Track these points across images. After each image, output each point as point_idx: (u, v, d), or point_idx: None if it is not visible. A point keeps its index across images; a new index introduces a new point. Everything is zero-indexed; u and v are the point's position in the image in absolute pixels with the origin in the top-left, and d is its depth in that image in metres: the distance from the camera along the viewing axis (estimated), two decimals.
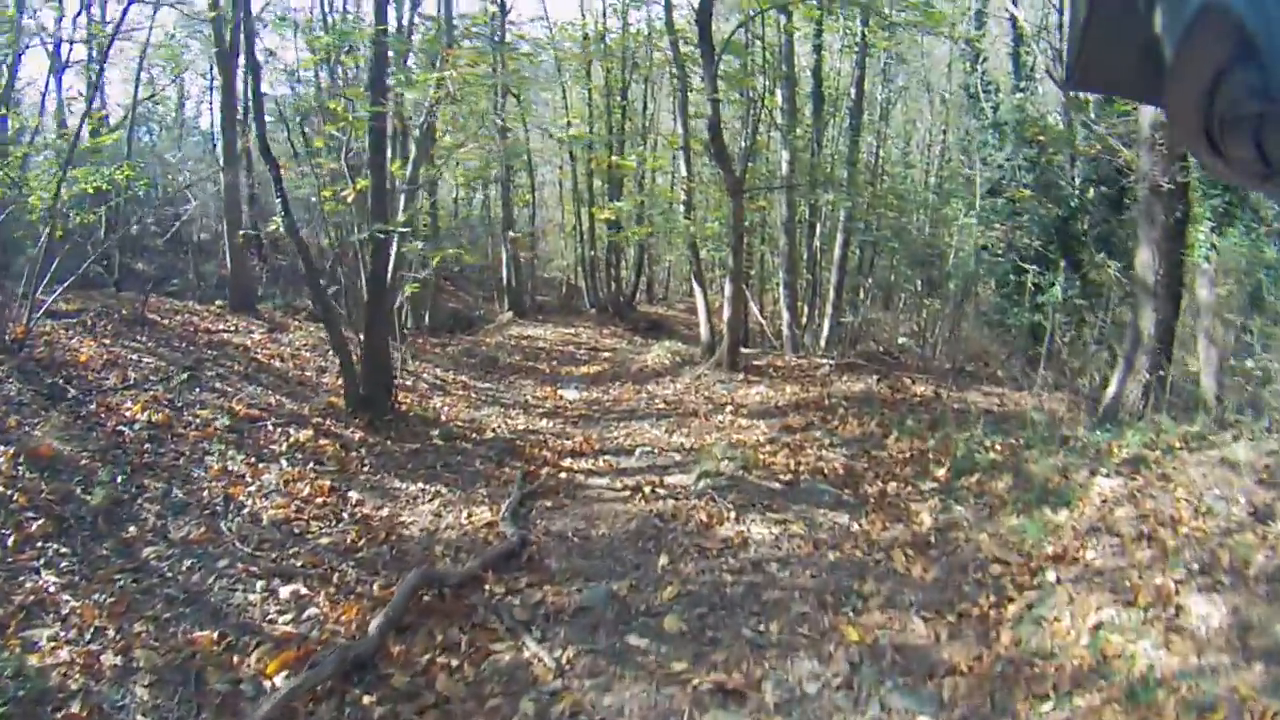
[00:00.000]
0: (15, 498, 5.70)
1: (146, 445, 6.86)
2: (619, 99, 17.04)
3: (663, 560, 5.56)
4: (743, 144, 12.42)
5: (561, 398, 11.26)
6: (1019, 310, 12.10)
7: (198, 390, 8.27)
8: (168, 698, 4.15)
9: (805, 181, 12.27)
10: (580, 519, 6.44)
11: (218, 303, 11.82)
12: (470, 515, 6.63)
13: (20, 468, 6.04)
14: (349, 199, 8.48)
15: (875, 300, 16.57)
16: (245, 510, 6.23)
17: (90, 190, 9.20)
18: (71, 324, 8.95)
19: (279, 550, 5.74)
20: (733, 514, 6.24)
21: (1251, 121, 0.50)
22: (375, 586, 5.38)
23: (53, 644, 4.44)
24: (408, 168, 9.40)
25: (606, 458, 8.18)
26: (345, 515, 6.47)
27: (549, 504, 6.83)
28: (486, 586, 5.34)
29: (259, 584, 5.29)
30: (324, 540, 5.97)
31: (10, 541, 5.28)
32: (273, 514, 6.21)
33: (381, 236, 8.04)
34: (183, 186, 11.34)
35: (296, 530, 6.07)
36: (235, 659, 4.48)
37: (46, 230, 8.29)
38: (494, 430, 9.23)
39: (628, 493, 6.91)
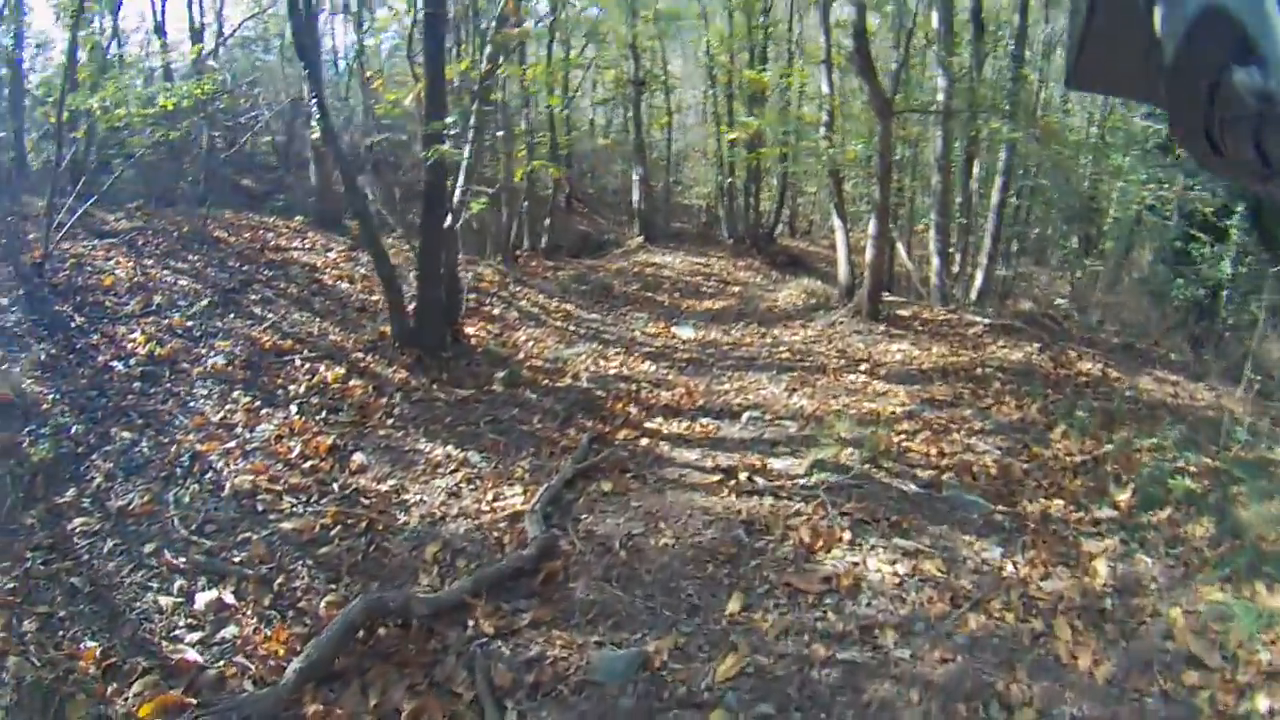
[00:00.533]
0: None
1: (135, 384, 6.11)
2: (759, 19, 16.10)
3: (734, 604, 4.20)
4: (894, 64, 11.23)
5: (674, 335, 10.17)
6: (1184, 283, 11.56)
7: (230, 316, 7.51)
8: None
9: (964, 107, 11.04)
10: (642, 518, 5.08)
11: (298, 218, 10.88)
12: (496, 499, 5.40)
13: None
14: (406, 102, 7.69)
15: (1029, 254, 16.41)
16: (209, 475, 5.28)
17: (168, 107, 8.54)
18: (115, 244, 8.44)
19: (224, 536, 4.74)
20: (847, 533, 4.82)
21: (1251, 121, 0.53)
22: (324, 603, 4.27)
23: None
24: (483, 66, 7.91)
25: (705, 421, 6.91)
26: (335, 487, 5.39)
27: (609, 488, 5.53)
28: (472, 621, 4.07)
29: (178, 584, 4.32)
30: (288, 524, 4.90)
31: None
32: (239, 482, 5.22)
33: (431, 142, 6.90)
34: (218, 93, 10.43)
35: (260, 506, 5.06)
36: (111, 688, 3.63)
37: (60, 148, 7.92)
38: (577, 375, 7.95)
39: (717, 478, 5.60)
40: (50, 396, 5.68)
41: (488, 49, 7.77)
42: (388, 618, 3.99)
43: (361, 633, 3.90)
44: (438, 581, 4.44)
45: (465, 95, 7.97)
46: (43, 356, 6.06)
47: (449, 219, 7.47)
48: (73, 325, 6.53)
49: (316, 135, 8.05)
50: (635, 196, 17.91)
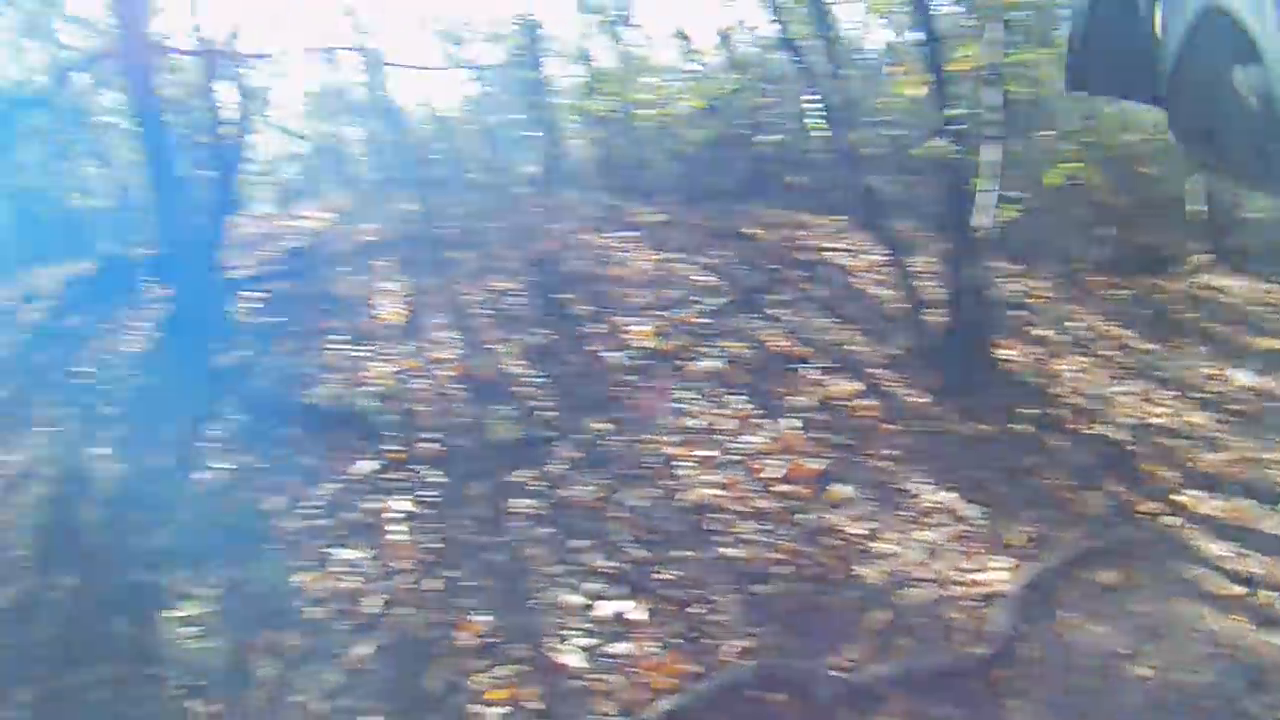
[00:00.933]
0: (420, 417, 6.13)
1: (626, 377, 6.63)
2: None
3: None
4: None
5: (1227, 380, 8.65)
6: None
7: (745, 316, 7.75)
8: (380, 668, 4.11)
9: None
10: (1131, 632, 4.39)
11: (833, 218, 11.10)
12: (977, 569, 4.81)
13: (452, 386, 6.49)
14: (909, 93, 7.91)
15: None
16: (670, 482, 5.45)
17: (699, 106, 9.49)
18: (638, 237, 9.40)
19: (660, 549, 4.85)
20: None
21: (1251, 122, 0.55)
22: (732, 648, 4.11)
23: (344, 569, 4.75)
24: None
25: (1244, 503, 5.87)
26: (802, 519, 5.17)
27: (1110, 578, 4.82)
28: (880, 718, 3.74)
29: (590, 587, 4.56)
30: (734, 551, 4.85)
31: (386, 459, 5.67)
32: (700, 495, 5.30)
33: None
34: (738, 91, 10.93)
35: (712, 526, 5.06)
36: (474, 663, 4.07)
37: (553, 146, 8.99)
38: (1114, 420, 6.89)
39: (1237, 591, 4.79)
40: (534, 380, 6.45)
41: (999, 28, 7.25)
42: (784, 687, 3.78)
43: (752, 693, 3.75)
44: (866, 657, 4.06)
45: (979, 86, 7.59)
46: (538, 341, 6.93)
47: (976, 225, 7.09)
48: (576, 313, 7.35)
49: (818, 133, 8.23)
50: (1200, 208, 15.77)
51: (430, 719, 3.80)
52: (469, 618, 4.29)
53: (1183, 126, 0.64)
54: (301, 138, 13.98)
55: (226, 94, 8.98)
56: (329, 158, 13.98)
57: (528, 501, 5.23)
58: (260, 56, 9.74)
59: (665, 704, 3.61)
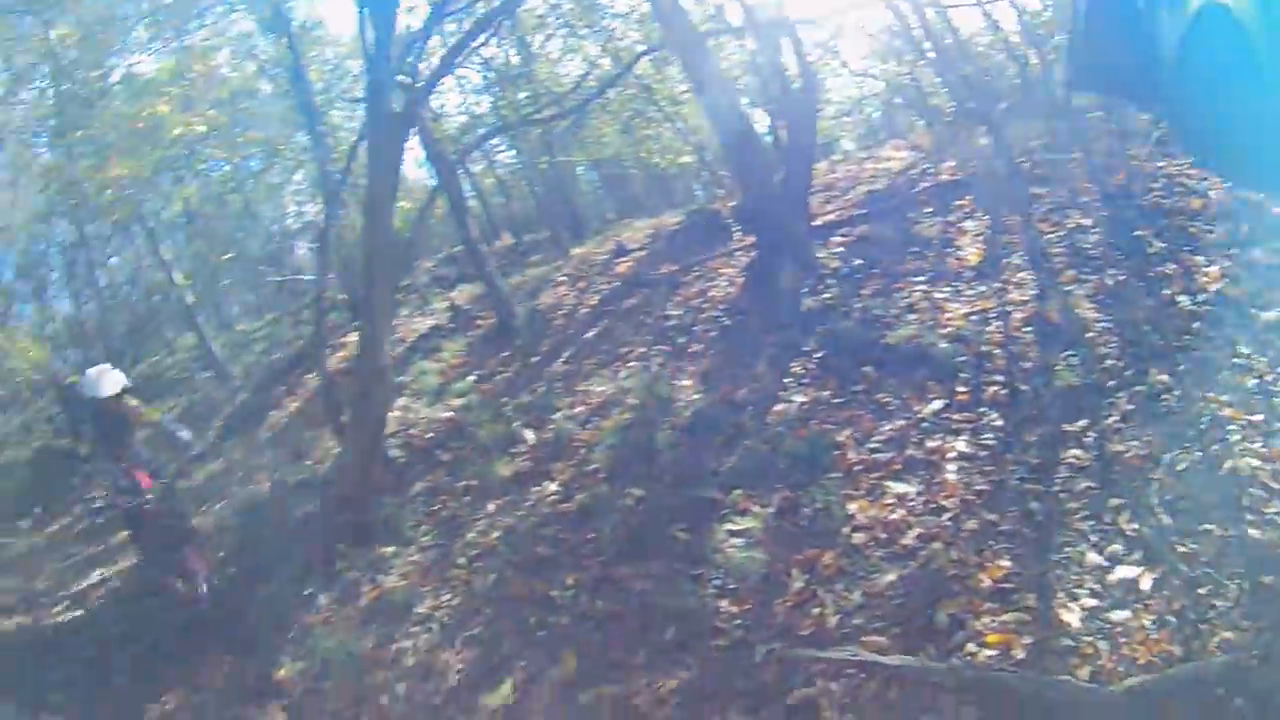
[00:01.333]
0: (989, 359, 6.74)
1: (1194, 324, 6.44)
2: None
3: None
4: None
5: None
6: None
7: None
8: (897, 596, 4.89)
9: None
10: None
11: None
12: None
13: (1025, 330, 6.93)
14: None
15: None
16: (1217, 447, 5.38)
17: None
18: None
19: (1187, 519, 4.93)
20: None
21: (1250, 122, 0.67)
22: (1219, 637, 4.23)
23: (893, 501, 5.62)
24: None
25: None
26: None
27: None
28: None
29: (1114, 548, 4.87)
30: (1260, 532, 4.72)
31: (952, 399, 6.46)
32: (1241, 464, 5.17)
33: None
34: None
35: (1248, 500, 4.95)
36: (984, 605, 4.66)
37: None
38: None
39: None
40: (1101, 324, 6.59)
41: None
42: (1246, 692, 3.75)
43: (1215, 692, 3.80)
44: None
45: None
46: (1109, 282, 6.96)
47: None
48: (1149, 251, 7.13)
49: None
50: None
51: (928, 649, 4.46)
52: (993, 561, 4.86)
53: (1183, 124, 0.66)
54: (875, 79, 14.50)
55: (790, 54, 9.66)
56: (905, 95, 14.35)
57: (1076, 452, 5.59)
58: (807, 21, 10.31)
59: (1131, 681, 3.86)
